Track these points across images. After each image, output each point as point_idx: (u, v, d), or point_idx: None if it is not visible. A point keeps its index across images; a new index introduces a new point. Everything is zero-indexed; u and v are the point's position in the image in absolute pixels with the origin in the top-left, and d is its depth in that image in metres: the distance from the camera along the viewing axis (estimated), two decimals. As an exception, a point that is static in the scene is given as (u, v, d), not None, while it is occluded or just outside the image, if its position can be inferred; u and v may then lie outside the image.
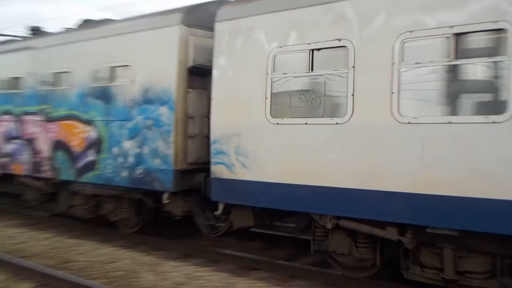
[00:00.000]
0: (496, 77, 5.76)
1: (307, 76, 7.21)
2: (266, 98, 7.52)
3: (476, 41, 5.88)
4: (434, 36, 6.08)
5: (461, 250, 6.28)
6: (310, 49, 7.11)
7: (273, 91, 7.49)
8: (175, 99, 8.71)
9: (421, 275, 6.68)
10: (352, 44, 6.69)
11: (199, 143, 9.03)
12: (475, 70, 5.93)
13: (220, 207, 8.30)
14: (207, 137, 8.48)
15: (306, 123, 7.14)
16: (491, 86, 5.84)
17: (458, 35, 5.91)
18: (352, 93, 6.65)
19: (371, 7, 6.57)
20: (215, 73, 8.21)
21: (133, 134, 9.25)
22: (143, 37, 9.35)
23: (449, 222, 6.00)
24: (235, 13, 8.11)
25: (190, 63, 8.89)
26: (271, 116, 7.46)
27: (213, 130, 8.19)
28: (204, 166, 8.76)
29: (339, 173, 6.80)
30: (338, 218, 7.04)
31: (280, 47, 7.43)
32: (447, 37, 5.96)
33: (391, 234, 6.61)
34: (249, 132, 7.75)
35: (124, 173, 9.36)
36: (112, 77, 9.81)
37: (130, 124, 9.31)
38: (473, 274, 6.27)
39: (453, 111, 6.00)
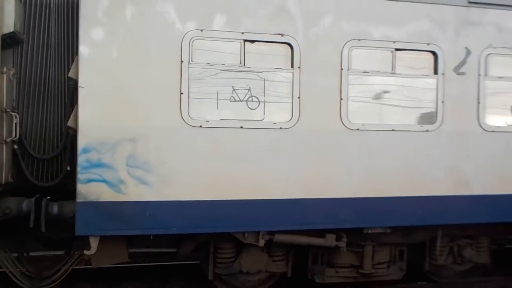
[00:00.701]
0: (428, 91, 6.66)
1: (241, 71, 6.05)
2: (182, 93, 5.81)
3: (411, 59, 6.61)
4: (379, 48, 6.42)
5: (377, 245, 6.90)
6: (243, 39, 6.01)
7: (193, 85, 5.87)
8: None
9: (336, 275, 6.87)
10: (297, 42, 6.12)
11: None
12: (412, 83, 6.63)
13: (93, 243, 5.75)
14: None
15: (241, 127, 6.00)
16: (425, 99, 6.69)
17: (397, 50, 6.48)
18: (298, 96, 6.12)
19: (318, 7, 6.22)
20: (84, 50, 5.60)
21: None
22: None
23: (389, 221, 6.53)
24: None
25: (6, 30, 5.69)
26: (190, 117, 5.84)
27: (82, 134, 5.59)
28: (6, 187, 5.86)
29: (283, 183, 6.12)
30: (272, 233, 6.30)
31: (201, 30, 5.89)
32: (391, 51, 6.44)
33: (329, 241, 6.50)
34: (152, 137, 5.77)
35: None
36: None
37: None
38: (381, 264, 7.01)
39: (396, 120, 6.53)
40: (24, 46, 6.15)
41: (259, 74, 6.12)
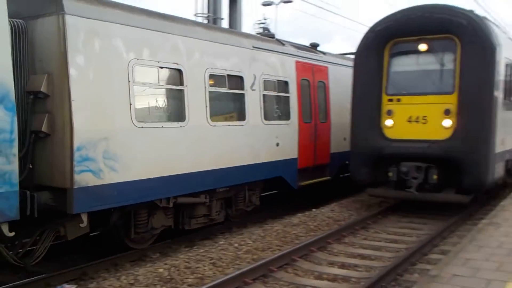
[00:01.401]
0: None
1: (159, 88, 8.75)
2: (131, 104, 8.16)
3: (236, 81, 10.54)
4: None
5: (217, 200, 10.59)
6: (159, 67, 8.75)
7: (136, 98, 8.26)
8: None
9: (196, 223, 10.21)
10: (184, 68, 9.25)
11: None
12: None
13: (84, 218, 7.49)
14: None
15: (162, 127, 8.74)
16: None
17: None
18: (188, 105, 9.27)
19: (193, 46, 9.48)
20: (73, 72, 7.31)
21: None
22: None
23: (227, 182, 10.40)
24: (91, 13, 7.61)
25: None
26: (136, 120, 8.24)
27: (77, 136, 7.32)
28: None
29: (184, 162, 9.19)
30: (176, 197, 9.21)
31: (137, 59, 8.33)
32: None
33: (202, 199, 9.84)
34: (117, 136, 7.93)
35: None
36: None
37: None
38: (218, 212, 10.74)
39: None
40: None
41: (169, 90, 9.01)
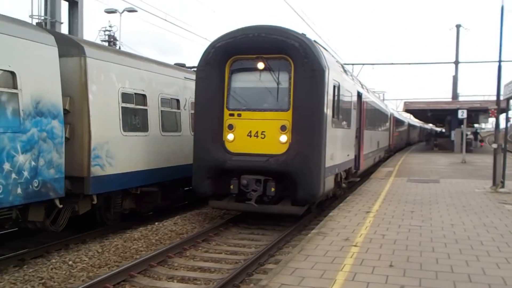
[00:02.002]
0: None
1: (134, 107, 12.32)
2: (120, 119, 11.67)
3: (173, 102, 14.36)
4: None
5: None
6: (134, 93, 12.33)
7: (123, 115, 11.77)
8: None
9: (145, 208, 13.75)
10: (147, 94, 12.89)
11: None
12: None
13: (95, 198, 10.94)
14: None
15: (136, 135, 12.31)
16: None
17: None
18: (149, 119, 12.92)
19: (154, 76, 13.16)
20: (90, 96, 10.71)
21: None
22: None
23: (167, 177, 14.14)
24: (98, 55, 11.02)
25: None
26: (123, 130, 11.76)
27: (93, 140, 10.71)
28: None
29: (150, 161, 12.80)
30: (142, 186, 12.71)
31: (123, 87, 11.87)
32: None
33: (154, 188, 13.43)
34: (113, 141, 11.39)
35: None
36: None
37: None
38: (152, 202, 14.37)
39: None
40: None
41: (140, 109, 12.62)
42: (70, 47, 10.74)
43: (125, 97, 12.02)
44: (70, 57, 10.67)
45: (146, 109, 12.92)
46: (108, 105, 11.33)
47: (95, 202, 10.99)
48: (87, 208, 11.09)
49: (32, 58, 9.27)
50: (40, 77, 9.42)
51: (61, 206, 9.97)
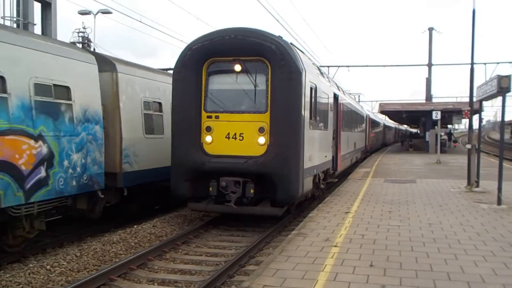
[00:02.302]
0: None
1: (153, 114, 14.28)
2: (143, 124, 13.60)
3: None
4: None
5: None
6: (152, 101, 14.23)
7: (145, 120, 13.67)
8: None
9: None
10: (162, 102, 14.74)
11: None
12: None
13: (125, 191, 12.87)
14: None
15: (154, 137, 14.19)
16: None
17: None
18: (164, 124, 14.75)
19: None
20: (121, 104, 12.69)
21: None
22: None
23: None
24: (126, 70, 13.03)
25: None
26: (145, 133, 13.64)
27: (124, 141, 12.69)
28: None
29: (166, 159, 14.50)
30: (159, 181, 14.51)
31: (145, 96, 13.78)
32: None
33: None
34: (139, 143, 13.34)
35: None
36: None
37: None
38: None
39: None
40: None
41: (159, 116, 14.47)
42: (104, 64, 12.60)
43: (146, 105, 14.02)
44: (104, 72, 12.52)
45: (162, 115, 14.88)
46: (134, 112, 13.27)
47: (125, 193, 12.90)
48: (117, 199, 13.00)
49: (80, 75, 11.17)
50: (86, 90, 11.33)
51: (102, 196, 11.87)
